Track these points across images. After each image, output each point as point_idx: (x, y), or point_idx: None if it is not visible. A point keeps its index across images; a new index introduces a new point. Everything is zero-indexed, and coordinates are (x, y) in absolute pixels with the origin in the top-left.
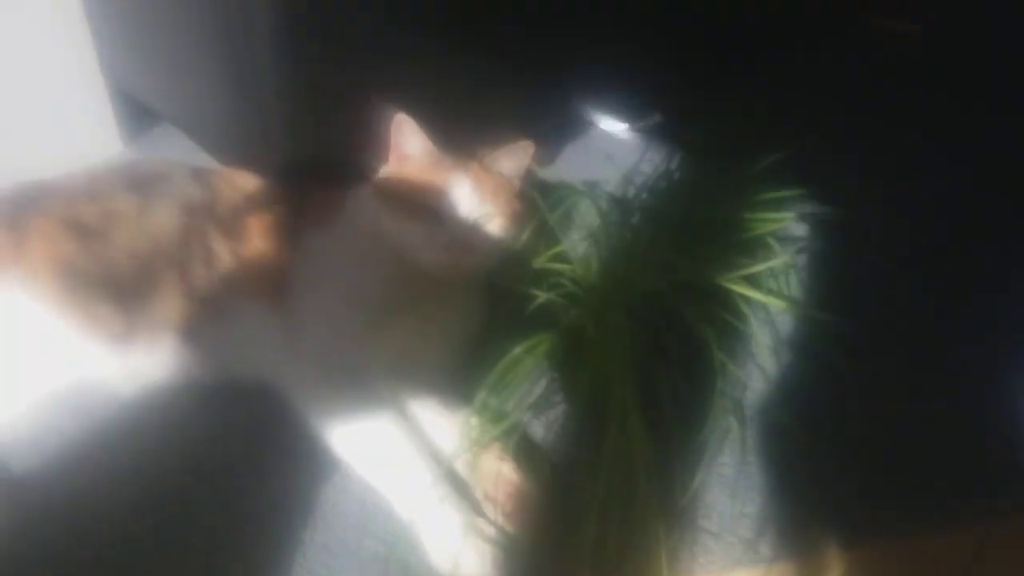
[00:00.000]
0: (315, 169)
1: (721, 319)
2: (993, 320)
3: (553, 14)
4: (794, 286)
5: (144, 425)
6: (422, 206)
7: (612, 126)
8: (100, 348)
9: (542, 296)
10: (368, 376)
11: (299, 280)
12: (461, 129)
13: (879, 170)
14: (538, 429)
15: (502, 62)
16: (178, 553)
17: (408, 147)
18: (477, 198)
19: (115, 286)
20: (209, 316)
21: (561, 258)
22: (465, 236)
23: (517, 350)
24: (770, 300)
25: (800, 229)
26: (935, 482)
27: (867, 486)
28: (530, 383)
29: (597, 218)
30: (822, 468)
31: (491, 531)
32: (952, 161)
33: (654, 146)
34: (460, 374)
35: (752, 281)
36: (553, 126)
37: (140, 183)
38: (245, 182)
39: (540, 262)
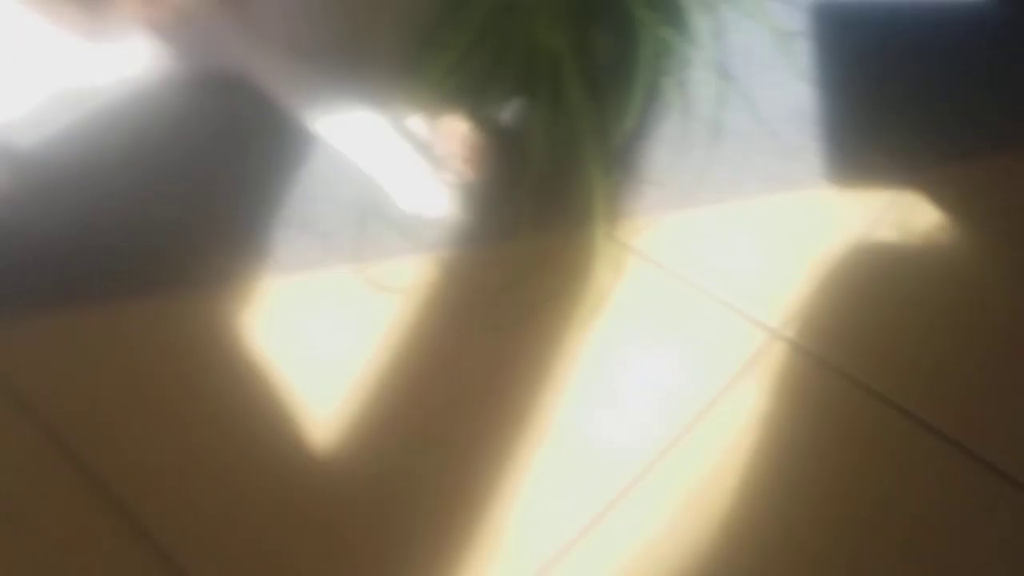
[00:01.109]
0: None
1: None
2: None
3: None
4: None
5: (130, 112)
6: None
7: None
8: (75, 45)
9: None
10: (326, 57)
11: None
12: None
13: None
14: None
15: None
16: (181, 207)
17: None
18: None
19: None
20: (169, 14)
21: None
22: None
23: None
24: None
25: None
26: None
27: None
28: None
29: None
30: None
31: (451, 178)
32: None
33: None
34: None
35: None
36: None
37: None
38: None
39: None
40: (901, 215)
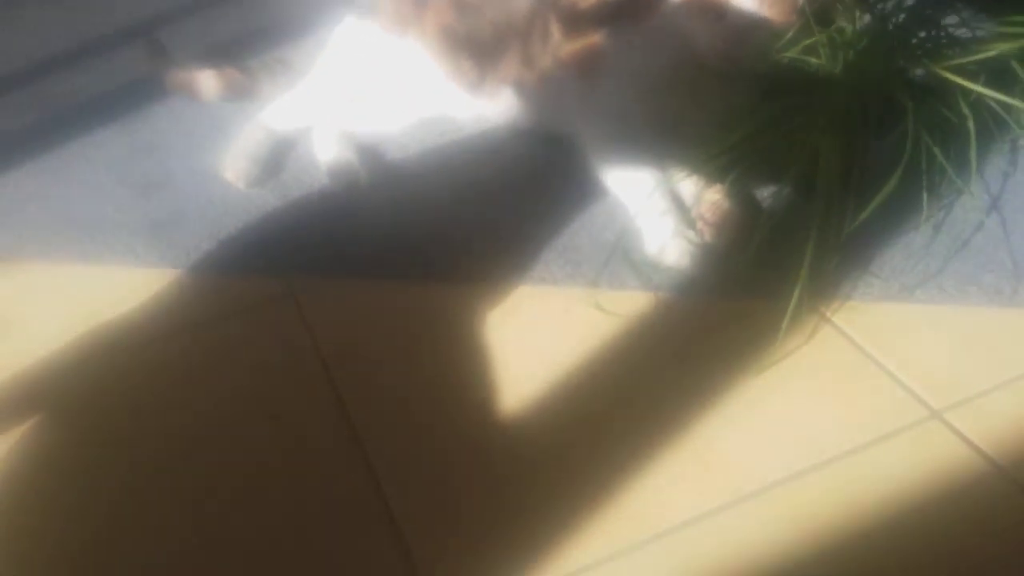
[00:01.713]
0: None
1: (937, 112)
2: None
3: None
4: None
5: (479, 149)
6: (712, 7)
7: None
8: (460, 91)
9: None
10: (640, 134)
11: (610, 60)
12: None
13: None
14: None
15: None
16: (482, 222)
17: None
18: (759, 4)
19: (477, 48)
20: (538, 79)
21: (812, 51)
22: (741, 34)
23: (755, 111)
24: (981, 90)
25: None
26: None
27: None
28: (756, 146)
29: (852, 26)
30: None
31: (695, 238)
32: None
33: None
34: (710, 136)
35: (970, 76)
36: None
37: None
38: None
39: (793, 52)
40: None
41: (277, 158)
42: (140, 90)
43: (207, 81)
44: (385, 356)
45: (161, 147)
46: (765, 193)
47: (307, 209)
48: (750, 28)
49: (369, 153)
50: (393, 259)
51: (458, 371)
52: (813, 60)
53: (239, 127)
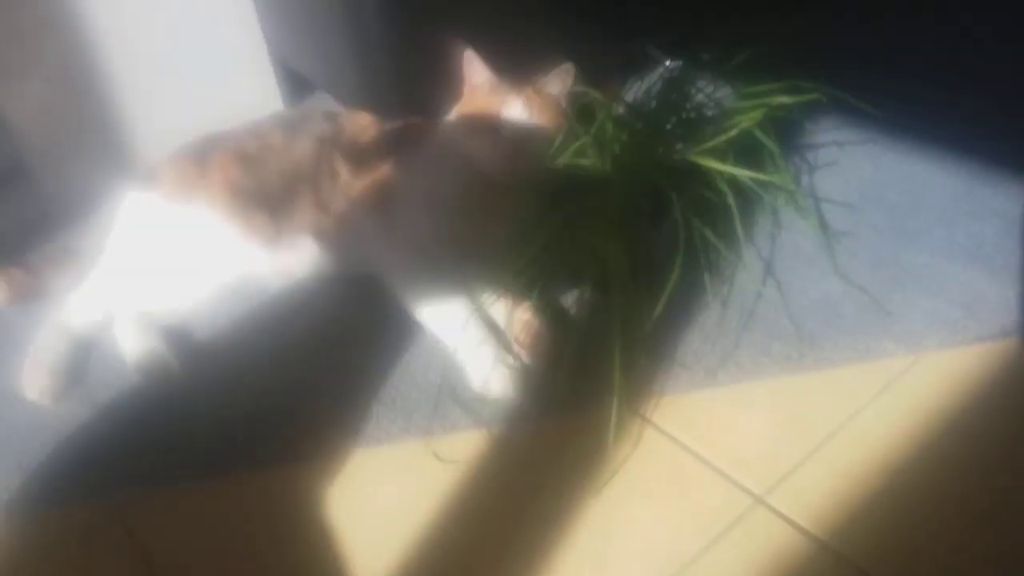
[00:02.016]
0: (414, 107)
1: (698, 194)
2: None
3: None
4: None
5: (288, 307)
6: (486, 124)
7: (669, 62)
8: (257, 249)
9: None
10: (442, 259)
11: (399, 192)
12: (525, 60)
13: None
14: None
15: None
16: (306, 390)
17: (474, 77)
18: (529, 114)
19: (267, 201)
20: (333, 223)
21: (582, 153)
22: (519, 146)
23: (540, 225)
24: (731, 170)
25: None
26: None
27: None
28: (552, 259)
29: (611, 124)
30: None
31: (515, 363)
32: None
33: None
34: (505, 251)
35: (720, 157)
36: (618, 63)
37: (288, 122)
38: (363, 119)
39: (566, 158)
40: (896, 399)
41: (79, 362)
42: None
43: None
44: (230, 560)
45: None
46: (570, 301)
47: (120, 415)
48: (525, 138)
49: (176, 336)
50: (219, 455)
51: (307, 556)
52: (584, 162)
53: (31, 335)
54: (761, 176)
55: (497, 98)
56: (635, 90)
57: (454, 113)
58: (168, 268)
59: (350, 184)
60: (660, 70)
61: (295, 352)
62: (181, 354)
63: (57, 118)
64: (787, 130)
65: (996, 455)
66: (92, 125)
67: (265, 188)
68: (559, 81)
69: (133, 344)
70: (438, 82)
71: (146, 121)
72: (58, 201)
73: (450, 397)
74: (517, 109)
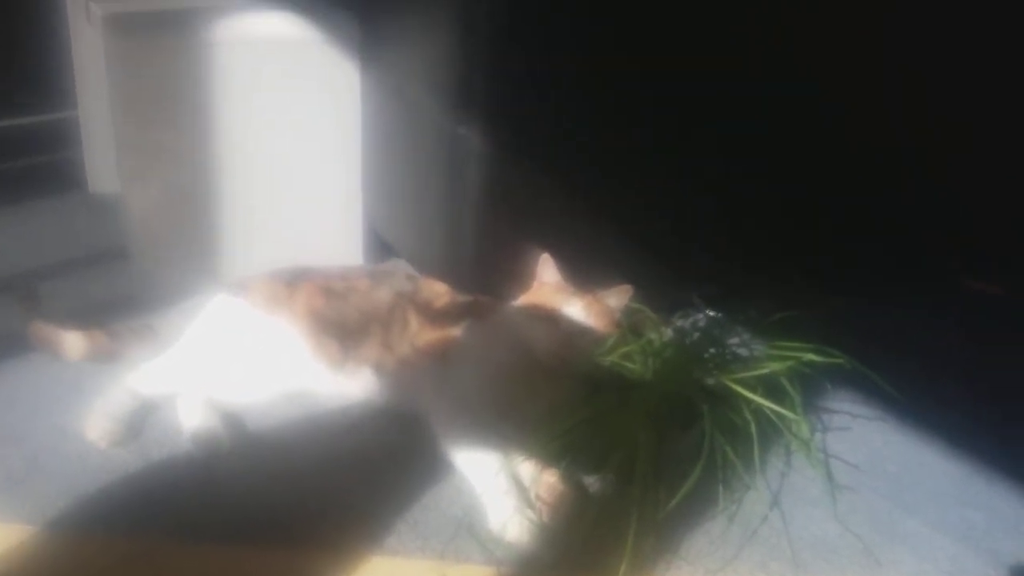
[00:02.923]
0: (485, 288)
1: (726, 416)
2: None
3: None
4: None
5: (338, 424)
6: (547, 314)
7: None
8: (324, 369)
9: (607, 378)
10: (484, 416)
11: (459, 352)
12: (591, 274)
13: None
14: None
15: (638, 244)
16: (337, 492)
17: (545, 276)
18: (586, 316)
19: (342, 331)
20: (395, 362)
21: (629, 358)
22: (572, 339)
23: (582, 404)
24: (759, 400)
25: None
26: None
27: None
28: (583, 435)
29: (659, 339)
30: None
31: (534, 517)
32: None
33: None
34: (544, 422)
35: (750, 388)
36: (667, 301)
37: (374, 274)
38: (439, 287)
39: (613, 356)
40: None
41: (139, 421)
42: (2, 343)
43: (73, 340)
44: None
45: (21, 401)
46: (592, 479)
47: (168, 472)
48: (579, 334)
49: (233, 421)
50: (251, 525)
51: None
52: (629, 365)
53: (101, 388)
54: (783, 411)
55: (561, 297)
56: (682, 324)
57: (522, 300)
58: (241, 366)
59: (417, 335)
60: (702, 315)
61: (336, 461)
62: (234, 436)
63: (168, 219)
64: (810, 389)
65: None
66: (194, 235)
67: (342, 320)
68: (617, 296)
69: (192, 418)
70: (511, 273)
71: (240, 244)
72: (151, 287)
73: (468, 531)
74: (577, 309)
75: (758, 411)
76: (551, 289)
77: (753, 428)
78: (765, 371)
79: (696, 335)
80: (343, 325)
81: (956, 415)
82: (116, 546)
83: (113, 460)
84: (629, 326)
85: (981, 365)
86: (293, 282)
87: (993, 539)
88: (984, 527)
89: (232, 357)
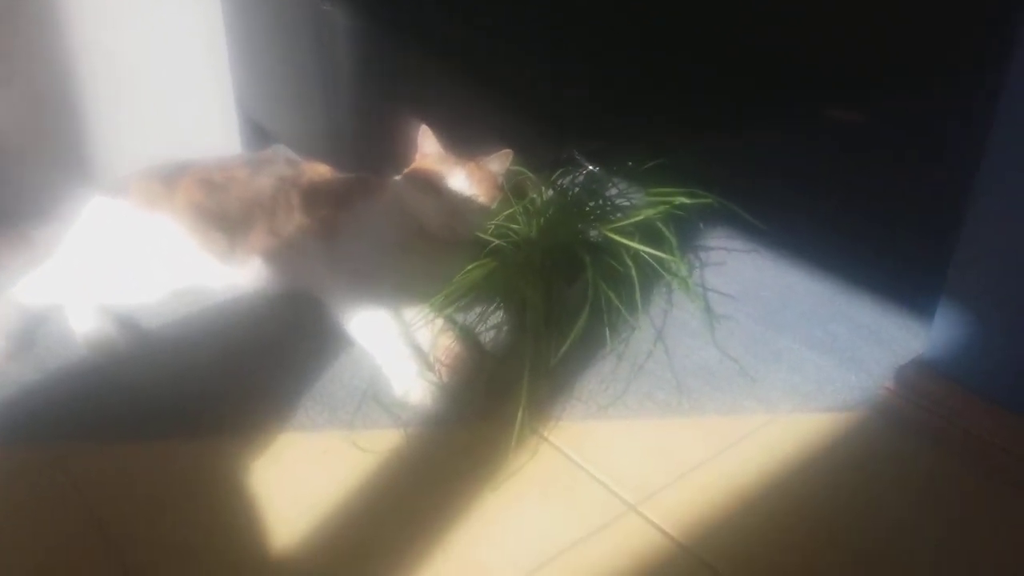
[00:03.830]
0: (367, 165)
1: (608, 263)
2: None
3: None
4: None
5: (233, 314)
6: (432, 186)
7: (591, 167)
8: (212, 262)
9: (494, 241)
10: (378, 286)
11: (349, 228)
12: (471, 140)
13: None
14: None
15: (515, 107)
16: (241, 378)
17: (426, 148)
18: (469, 184)
19: (226, 222)
20: (284, 246)
21: (513, 219)
22: (458, 208)
23: (471, 268)
24: (637, 246)
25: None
26: None
27: None
28: (475, 297)
29: (541, 198)
30: None
31: (434, 378)
32: None
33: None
34: (437, 289)
35: (628, 236)
36: (548, 161)
37: (254, 162)
38: (322, 168)
39: (498, 219)
40: (754, 445)
41: (30, 334)
42: None
43: None
44: (157, 511)
45: None
46: (488, 335)
47: (67, 380)
48: (464, 203)
49: (126, 323)
50: (158, 420)
51: (229, 518)
52: (514, 226)
53: None
54: (661, 254)
55: (444, 167)
56: (562, 182)
57: (405, 174)
58: (126, 268)
59: (303, 217)
60: (583, 171)
61: (234, 349)
62: (129, 338)
63: (28, 127)
64: (686, 230)
65: (826, 495)
66: (60, 138)
67: (225, 212)
68: (498, 162)
69: (83, 324)
70: (392, 147)
71: (111, 144)
72: (23, 197)
73: (373, 399)
74: (460, 178)
75: (637, 256)
76: (433, 160)
77: (634, 272)
78: (640, 218)
79: (576, 191)
80: (226, 216)
81: (821, 239)
82: (24, 454)
83: (8, 375)
84: (512, 189)
85: (841, 189)
86: (171, 178)
87: (855, 348)
88: (847, 338)
89: (116, 260)
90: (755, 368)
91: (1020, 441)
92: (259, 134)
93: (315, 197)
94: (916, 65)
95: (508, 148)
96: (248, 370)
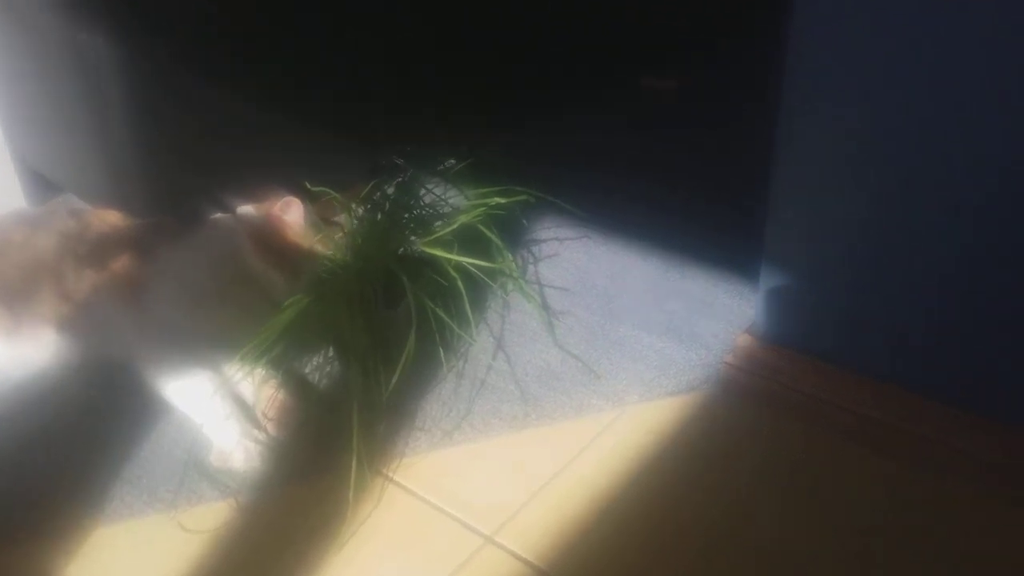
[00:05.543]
0: (161, 206)
1: (430, 279)
2: None
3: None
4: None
5: (27, 398)
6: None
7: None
8: None
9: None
10: (193, 342)
11: (151, 281)
12: (272, 165)
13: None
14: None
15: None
16: (45, 471)
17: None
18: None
19: (5, 293)
20: (79, 311)
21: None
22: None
23: (283, 308)
24: (456, 258)
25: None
26: None
27: None
28: (297, 339)
29: (351, 219)
30: None
31: (260, 435)
32: None
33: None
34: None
35: (447, 247)
36: (365, 171)
37: (30, 219)
38: (112, 217)
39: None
40: (605, 445)
41: None
42: None
43: None
44: None
45: None
46: (316, 377)
47: None
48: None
49: None
50: None
51: None
52: (327, 253)
53: None
54: (484, 263)
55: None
56: (376, 196)
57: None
58: None
59: (96, 274)
60: (396, 181)
61: (34, 438)
62: None
63: None
64: (511, 227)
65: (684, 486)
66: None
67: (3, 282)
68: (289, 210)
69: None
70: (187, 183)
71: None
72: None
73: (196, 471)
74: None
75: (461, 266)
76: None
77: (460, 283)
78: (455, 226)
79: (389, 204)
80: (6, 286)
81: (648, 216)
82: None
83: None
84: (319, 216)
85: (661, 164)
86: None
87: (692, 324)
88: (684, 315)
89: None
90: (598, 363)
91: (850, 396)
92: (43, 185)
93: (108, 250)
94: (723, 33)
95: (304, 179)
96: (51, 460)
